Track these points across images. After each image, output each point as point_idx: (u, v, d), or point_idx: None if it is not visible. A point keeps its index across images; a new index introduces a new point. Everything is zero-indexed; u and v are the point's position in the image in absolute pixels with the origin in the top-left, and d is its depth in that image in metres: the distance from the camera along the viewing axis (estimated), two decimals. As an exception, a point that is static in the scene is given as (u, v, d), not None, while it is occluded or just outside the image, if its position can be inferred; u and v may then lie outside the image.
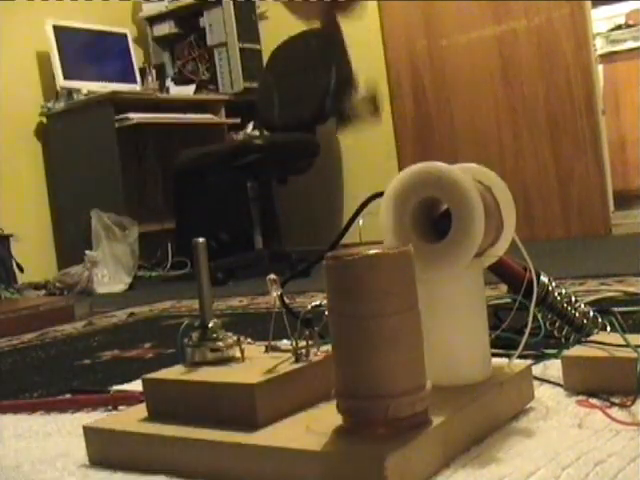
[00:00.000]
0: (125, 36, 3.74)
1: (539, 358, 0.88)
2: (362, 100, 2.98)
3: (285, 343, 0.75)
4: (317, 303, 0.76)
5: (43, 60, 3.55)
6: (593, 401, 0.72)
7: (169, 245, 3.62)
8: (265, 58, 3.61)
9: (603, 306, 1.14)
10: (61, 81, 3.42)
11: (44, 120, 3.54)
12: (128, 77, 3.67)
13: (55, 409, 0.96)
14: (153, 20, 3.91)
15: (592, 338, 0.82)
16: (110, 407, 0.93)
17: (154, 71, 3.75)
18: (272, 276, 0.74)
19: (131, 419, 0.72)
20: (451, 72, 3.32)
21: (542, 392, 0.77)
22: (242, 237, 3.64)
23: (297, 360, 0.71)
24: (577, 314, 0.95)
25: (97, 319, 2.08)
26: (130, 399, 0.90)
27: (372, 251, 0.57)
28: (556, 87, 3.07)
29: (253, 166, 2.90)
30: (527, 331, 0.74)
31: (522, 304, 0.83)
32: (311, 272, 1.19)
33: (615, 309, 1.07)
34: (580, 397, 0.74)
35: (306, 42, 3.27)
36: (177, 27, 3.88)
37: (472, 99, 3.27)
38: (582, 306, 0.97)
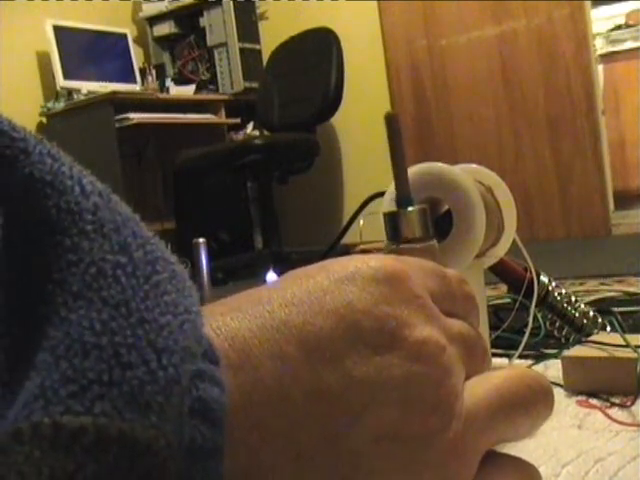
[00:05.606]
0: (125, 36, 3.74)
1: (539, 358, 0.88)
2: None
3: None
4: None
5: (43, 60, 3.55)
6: (593, 401, 0.72)
7: (169, 245, 3.59)
8: (265, 58, 3.61)
9: (603, 306, 1.14)
10: (61, 81, 3.42)
11: (44, 120, 3.54)
12: (128, 77, 3.67)
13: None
14: (153, 20, 3.91)
15: (592, 338, 0.82)
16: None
17: (154, 71, 3.75)
18: (272, 276, 0.74)
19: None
20: (451, 72, 3.32)
21: (542, 392, 0.77)
22: (242, 237, 3.64)
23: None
24: (577, 314, 0.95)
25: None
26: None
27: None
28: (556, 87, 3.07)
29: (253, 166, 2.91)
30: (527, 331, 0.74)
31: (522, 304, 0.83)
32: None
33: (615, 309, 1.07)
34: (580, 397, 0.74)
35: (306, 42, 3.27)
36: (177, 27, 3.88)
37: (472, 99, 3.27)
38: (582, 306, 0.97)
